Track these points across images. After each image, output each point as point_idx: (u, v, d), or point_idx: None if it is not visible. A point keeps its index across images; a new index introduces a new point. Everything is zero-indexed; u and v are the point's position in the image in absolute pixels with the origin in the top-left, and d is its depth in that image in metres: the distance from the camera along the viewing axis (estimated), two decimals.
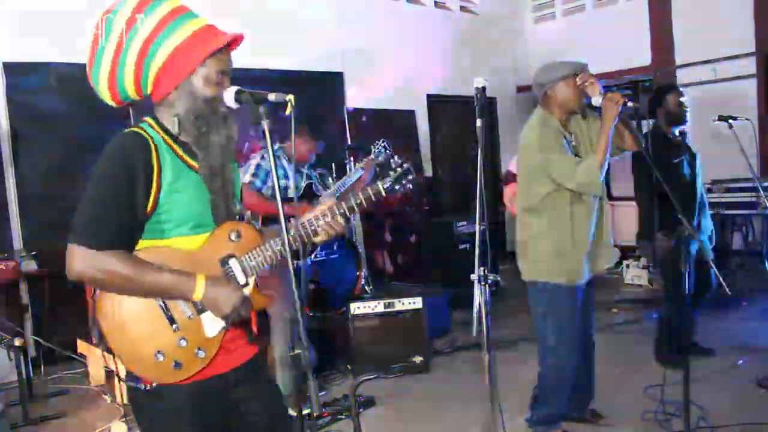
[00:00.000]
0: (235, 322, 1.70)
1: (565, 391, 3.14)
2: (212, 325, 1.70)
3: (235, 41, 1.72)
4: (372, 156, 4.25)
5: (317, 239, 1.83)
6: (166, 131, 1.70)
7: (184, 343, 1.66)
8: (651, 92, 4.55)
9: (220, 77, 1.69)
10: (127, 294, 1.62)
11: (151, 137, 1.64)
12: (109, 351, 1.66)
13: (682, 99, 4.08)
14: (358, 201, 1.87)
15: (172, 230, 1.66)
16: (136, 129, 1.66)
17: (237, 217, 1.77)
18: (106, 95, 1.76)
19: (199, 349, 1.68)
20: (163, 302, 1.65)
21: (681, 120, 4.08)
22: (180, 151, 1.69)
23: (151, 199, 1.60)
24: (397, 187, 1.99)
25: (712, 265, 2.87)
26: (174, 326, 1.65)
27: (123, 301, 1.63)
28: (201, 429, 1.70)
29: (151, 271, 1.59)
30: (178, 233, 1.66)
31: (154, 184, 1.60)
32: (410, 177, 2.02)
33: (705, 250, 3.01)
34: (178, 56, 1.65)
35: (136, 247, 1.65)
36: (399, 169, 2.00)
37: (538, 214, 3.07)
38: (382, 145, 4.28)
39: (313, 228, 1.81)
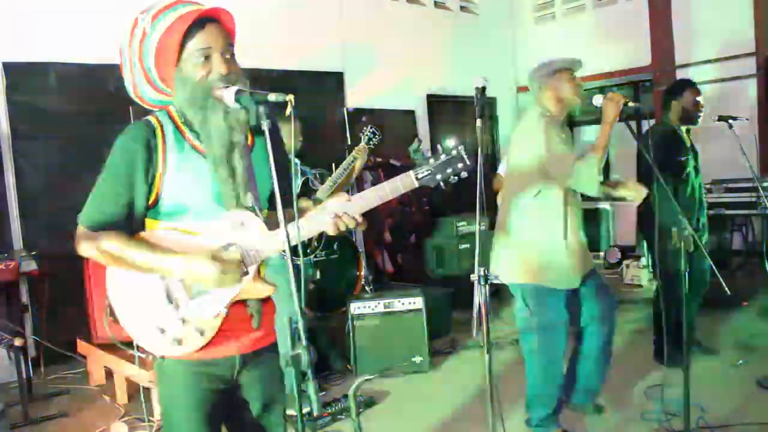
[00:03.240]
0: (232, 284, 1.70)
1: (555, 389, 3.14)
2: (210, 306, 1.72)
3: (215, 16, 1.68)
4: (363, 143, 4.24)
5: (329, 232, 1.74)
6: (183, 117, 1.73)
7: (182, 322, 1.71)
8: (667, 84, 4.51)
9: (204, 54, 1.65)
10: (123, 268, 1.70)
11: (161, 124, 1.69)
12: (116, 322, 1.75)
13: (698, 98, 4.05)
14: (381, 194, 1.67)
15: (178, 214, 1.70)
16: (148, 117, 1.71)
17: (248, 206, 1.77)
18: (138, 101, 1.83)
19: (197, 329, 1.72)
20: (165, 281, 1.71)
21: (694, 119, 4.06)
22: (192, 138, 1.71)
23: (156, 184, 1.67)
24: (438, 176, 1.65)
25: (711, 262, 2.88)
26: (173, 305, 1.71)
27: (128, 276, 1.72)
28: (199, 406, 1.75)
29: (135, 250, 1.66)
30: (184, 218, 1.71)
31: (158, 170, 1.66)
32: (460, 165, 1.65)
33: (703, 247, 3.02)
34: (162, 51, 1.67)
35: (146, 229, 1.72)
36: (444, 156, 1.65)
37: (532, 212, 3.05)
38: (371, 131, 4.26)
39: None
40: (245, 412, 1.86)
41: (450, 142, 1.69)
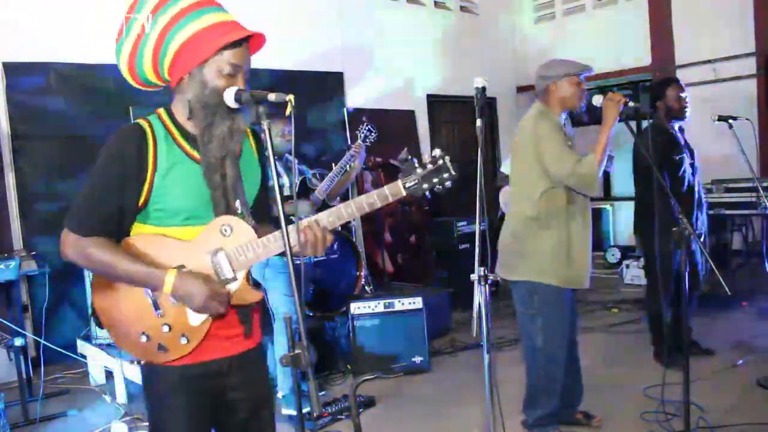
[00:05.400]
0: (213, 315, 1.71)
1: (556, 390, 3.14)
2: (197, 314, 1.71)
3: (258, 42, 1.73)
4: (359, 140, 4.27)
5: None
6: (175, 121, 1.73)
7: (167, 329, 1.70)
8: (652, 85, 4.56)
9: (234, 71, 1.67)
10: (107, 278, 1.70)
11: (152, 128, 1.68)
12: (101, 327, 1.70)
13: (682, 94, 4.06)
14: (371, 201, 1.72)
15: (166, 219, 1.69)
16: (139, 120, 1.70)
17: (237, 212, 1.77)
18: (126, 75, 1.81)
19: (182, 335, 1.71)
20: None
21: (681, 115, 4.07)
22: (184, 142, 1.71)
23: (145, 189, 1.65)
24: (425, 185, 1.70)
25: (711, 262, 2.87)
26: (158, 312, 1.70)
27: (114, 282, 1.71)
28: (189, 410, 1.74)
29: (126, 261, 1.65)
30: (172, 223, 1.70)
31: (148, 176, 1.65)
32: (446, 175, 1.70)
33: (702, 247, 3.03)
34: (193, 43, 1.66)
35: (132, 233, 1.71)
36: (430, 165, 1.69)
37: (535, 213, 3.04)
38: (367, 128, 4.29)
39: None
40: (233, 416, 1.84)
41: (436, 152, 1.72)
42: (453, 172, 1.71)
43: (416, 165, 1.71)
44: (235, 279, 1.72)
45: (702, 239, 4.23)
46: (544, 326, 3.08)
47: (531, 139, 3.00)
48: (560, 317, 3.09)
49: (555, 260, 3.02)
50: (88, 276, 4.26)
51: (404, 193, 1.72)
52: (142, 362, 1.76)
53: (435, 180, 1.71)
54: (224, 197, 1.72)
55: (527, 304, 3.12)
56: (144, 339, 1.70)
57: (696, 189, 4.11)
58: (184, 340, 1.71)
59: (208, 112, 1.68)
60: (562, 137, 2.98)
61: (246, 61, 1.71)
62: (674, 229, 3.79)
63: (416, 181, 1.71)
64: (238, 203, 1.76)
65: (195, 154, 1.71)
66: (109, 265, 1.65)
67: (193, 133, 1.72)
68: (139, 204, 1.67)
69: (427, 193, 1.72)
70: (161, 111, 1.75)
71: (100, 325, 1.76)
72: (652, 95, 4.21)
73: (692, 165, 4.11)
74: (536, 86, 3.12)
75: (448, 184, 1.72)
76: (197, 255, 1.69)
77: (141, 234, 1.71)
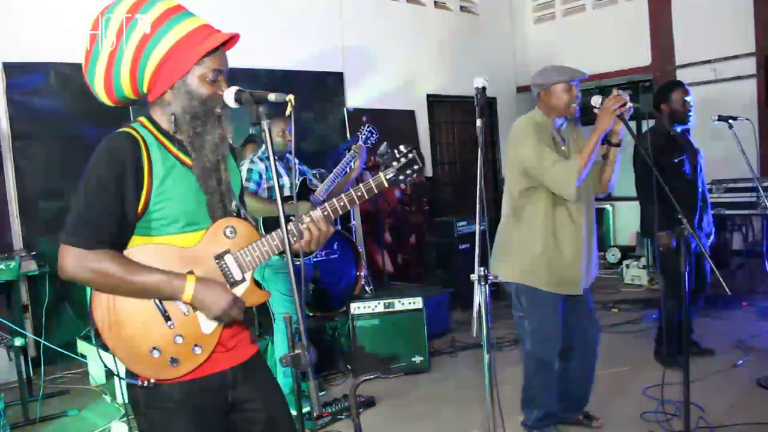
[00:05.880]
0: (227, 323, 1.71)
1: (551, 390, 3.14)
2: (209, 321, 1.69)
3: (231, 40, 1.72)
4: (360, 142, 4.28)
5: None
6: (160, 129, 1.70)
7: (180, 339, 1.66)
8: (656, 87, 4.55)
9: (216, 76, 1.68)
10: (118, 294, 1.63)
11: (142, 136, 1.65)
12: (105, 348, 1.66)
13: (687, 98, 4.07)
14: (359, 194, 1.82)
15: (165, 228, 1.66)
16: (126, 129, 1.67)
17: (234, 214, 1.77)
18: (102, 95, 1.77)
19: (195, 345, 1.67)
20: (158, 298, 1.66)
21: (684, 119, 4.08)
22: (174, 149, 1.69)
23: (143, 197, 1.62)
24: (401, 177, 1.88)
25: (710, 262, 2.87)
26: (169, 323, 1.66)
27: (117, 298, 1.64)
28: (198, 426, 1.69)
29: (140, 271, 1.60)
30: (172, 231, 1.67)
31: (145, 183, 1.61)
32: (416, 167, 1.90)
33: (702, 246, 3.01)
34: (173, 56, 1.64)
35: (130, 245, 1.66)
36: (403, 159, 1.88)
37: (520, 211, 3.05)
38: (368, 129, 4.30)
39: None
40: (252, 428, 1.79)
41: (402, 147, 1.92)
42: (420, 164, 1.90)
43: (392, 159, 1.89)
44: (244, 280, 1.72)
45: (711, 240, 4.23)
46: (531, 329, 3.08)
47: (517, 138, 3.03)
48: (549, 321, 3.06)
49: (539, 263, 3.01)
50: None
51: (386, 185, 1.87)
52: (152, 381, 1.65)
53: (408, 171, 1.89)
54: (221, 201, 1.72)
55: (516, 305, 3.13)
56: (156, 354, 1.64)
57: (700, 190, 4.11)
58: (198, 350, 1.67)
59: (198, 123, 1.67)
60: (546, 138, 2.98)
61: (225, 62, 1.71)
62: (661, 232, 3.82)
63: (394, 173, 1.88)
64: (234, 205, 1.76)
65: (186, 159, 1.69)
66: (122, 278, 1.58)
67: (181, 139, 1.70)
68: (138, 211, 1.62)
69: (403, 184, 1.91)
70: (143, 120, 1.72)
71: (104, 347, 1.69)
72: (656, 97, 4.21)
73: (696, 165, 4.11)
74: (532, 92, 3.15)
75: (416, 175, 1.90)
76: (204, 260, 1.68)
77: (142, 245, 1.66)
